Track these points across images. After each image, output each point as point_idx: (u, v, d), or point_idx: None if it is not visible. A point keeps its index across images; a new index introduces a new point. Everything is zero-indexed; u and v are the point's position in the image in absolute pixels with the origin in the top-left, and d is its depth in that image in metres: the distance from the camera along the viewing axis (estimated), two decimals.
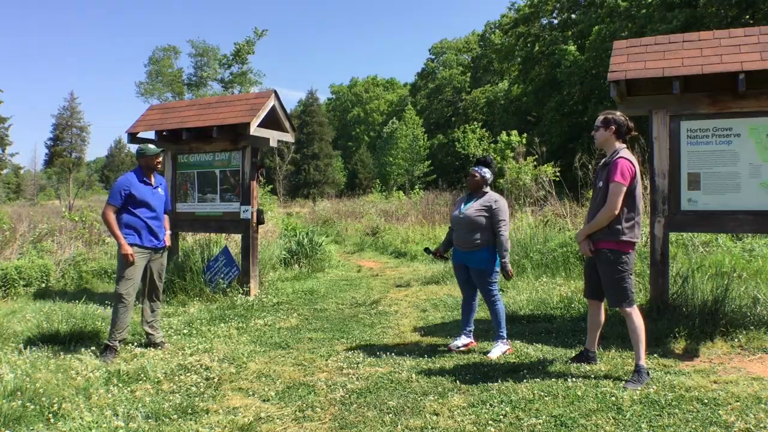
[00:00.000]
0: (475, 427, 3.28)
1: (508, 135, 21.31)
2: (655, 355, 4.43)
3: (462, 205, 4.90)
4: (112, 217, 4.93)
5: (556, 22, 36.40)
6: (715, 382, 3.84)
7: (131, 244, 4.92)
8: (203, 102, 8.48)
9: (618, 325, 4.95)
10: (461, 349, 4.88)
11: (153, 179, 5.17)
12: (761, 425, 3.14)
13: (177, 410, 3.60)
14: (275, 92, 7.59)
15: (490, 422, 3.32)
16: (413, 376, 4.19)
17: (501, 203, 4.76)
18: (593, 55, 28.71)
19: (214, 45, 43.33)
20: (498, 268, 4.78)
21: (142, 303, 5.27)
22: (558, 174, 14.78)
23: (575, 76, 29.69)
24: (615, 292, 3.96)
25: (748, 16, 21.27)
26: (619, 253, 3.93)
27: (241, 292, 7.24)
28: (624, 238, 3.91)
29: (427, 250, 5.28)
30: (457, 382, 4.03)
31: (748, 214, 4.91)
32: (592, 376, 4.02)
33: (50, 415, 3.47)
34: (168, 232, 5.34)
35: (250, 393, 3.97)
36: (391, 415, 3.49)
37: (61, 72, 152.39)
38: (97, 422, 3.39)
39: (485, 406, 3.55)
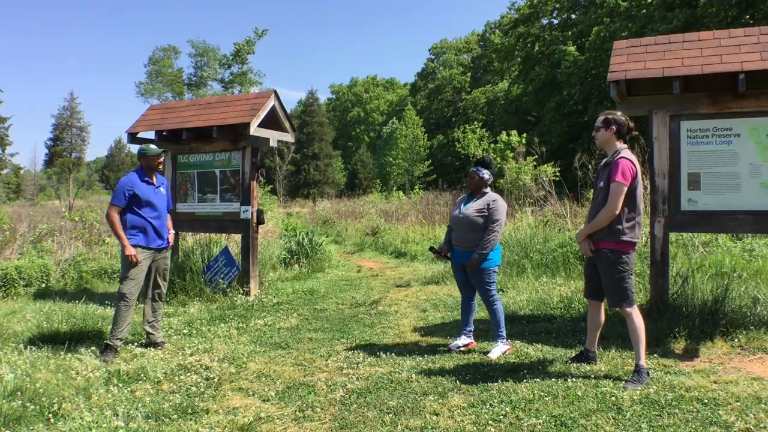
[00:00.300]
0: (475, 427, 3.28)
1: (508, 135, 21.30)
2: (655, 355, 4.43)
3: (462, 205, 4.90)
4: (116, 217, 4.93)
5: (556, 22, 36.42)
6: (715, 382, 3.84)
7: (136, 245, 4.93)
8: (203, 102, 8.48)
9: (618, 325, 4.95)
10: (461, 349, 4.88)
11: (155, 179, 5.18)
12: (761, 425, 3.14)
13: (177, 410, 3.60)
14: (275, 92, 7.59)
15: (490, 422, 3.32)
16: (413, 376, 4.19)
17: (499, 204, 4.76)
18: (593, 56, 28.73)
19: (214, 45, 43.45)
20: (495, 268, 4.78)
21: (143, 303, 5.27)
22: (558, 174, 14.79)
23: (575, 77, 29.71)
24: (615, 292, 3.96)
25: (748, 16, 21.28)
26: (619, 253, 3.93)
27: (241, 292, 7.24)
28: (624, 238, 3.91)
29: (432, 249, 5.27)
30: (457, 382, 4.03)
31: (748, 214, 4.91)
32: (592, 376, 4.02)
33: (50, 415, 3.47)
34: (171, 231, 5.35)
35: (250, 393, 3.97)
36: (391, 415, 3.49)
37: (61, 72, 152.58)
38: (97, 422, 3.39)
39: (485, 406, 3.55)
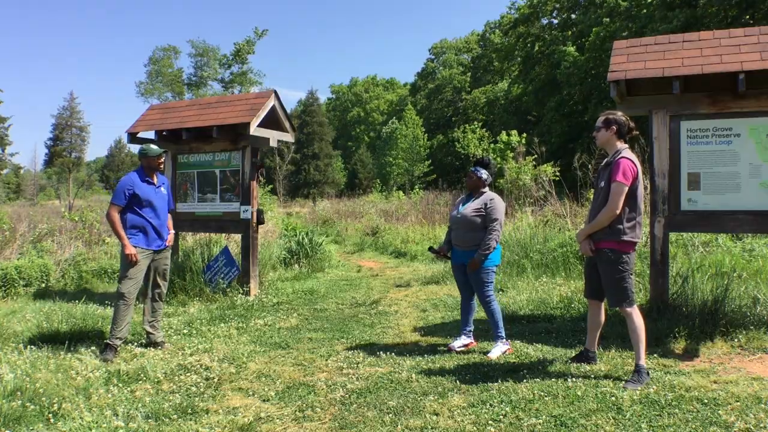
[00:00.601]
0: (475, 427, 3.28)
1: (508, 135, 21.28)
2: (655, 355, 4.43)
3: (460, 206, 4.92)
4: (116, 216, 4.93)
5: (556, 22, 36.42)
6: (715, 382, 3.84)
7: (136, 246, 4.92)
8: (203, 102, 8.48)
9: (618, 325, 4.95)
10: (461, 349, 4.88)
11: (155, 179, 5.18)
12: (761, 425, 3.14)
13: (177, 410, 3.60)
14: (275, 92, 7.59)
15: (490, 422, 3.32)
16: (413, 376, 4.19)
17: (496, 203, 4.76)
18: (593, 56, 28.71)
19: (214, 45, 43.50)
20: (494, 268, 4.79)
21: (143, 302, 5.27)
22: (558, 174, 14.78)
23: (575, 77, 29.69)
24: (615, 292, 3.96)
25: (748, 16, 21.27)
26: (619, 253, 3.93)
27: (241, 292, 7.24)
28: (625, 238, 3.91)
29: (431, 249, 5.29)
30: (457, 382, 4.03)
31: (748, 214, 4.91)
32: (592, 376, 4.02)
33: (50, 415, 3.47)
34: (171, 231, 5.35)
35: (250, 393, 3.97)
36: (391, 415, 3.49)
37: (61, 72, 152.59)
38: (97, 422, 3.39)
39: (485, 406, 3.55)
